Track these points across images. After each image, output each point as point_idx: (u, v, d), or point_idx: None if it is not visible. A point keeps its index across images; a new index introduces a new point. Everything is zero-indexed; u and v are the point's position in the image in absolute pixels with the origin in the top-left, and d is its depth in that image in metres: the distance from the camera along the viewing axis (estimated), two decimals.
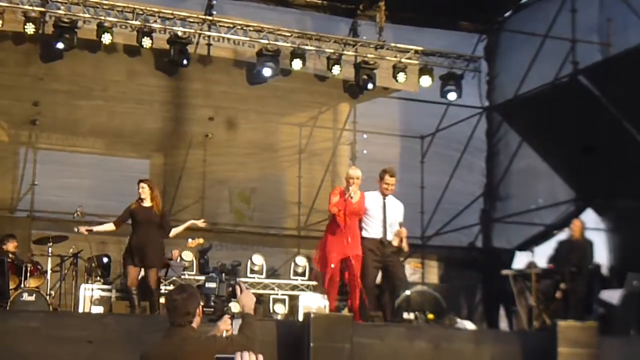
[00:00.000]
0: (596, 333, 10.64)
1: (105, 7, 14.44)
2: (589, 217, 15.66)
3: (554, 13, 16.06)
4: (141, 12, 14.61)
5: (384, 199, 11.30)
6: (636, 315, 13.16)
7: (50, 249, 12.65)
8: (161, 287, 12.47)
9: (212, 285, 5.93)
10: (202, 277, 12.20)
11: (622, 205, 15.16)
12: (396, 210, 11.28)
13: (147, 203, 11.40)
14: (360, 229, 11.14)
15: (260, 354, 3.89)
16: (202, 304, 5.51)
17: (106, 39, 14.28)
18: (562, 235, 14.48)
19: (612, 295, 13.56)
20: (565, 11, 15.85)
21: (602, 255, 14.56)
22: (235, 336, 5.50)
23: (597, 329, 10.71)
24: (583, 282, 13.37)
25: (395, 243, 11.22)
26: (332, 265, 10.79)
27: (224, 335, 5.55)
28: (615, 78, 14.62)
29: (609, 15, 15.26)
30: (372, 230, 11.13)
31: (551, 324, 11.30)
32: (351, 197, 10.85)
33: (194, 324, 5.37)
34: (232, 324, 5.68)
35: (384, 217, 11.15)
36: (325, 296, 12.05)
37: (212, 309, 5.88)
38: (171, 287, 12.26)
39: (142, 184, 11.43)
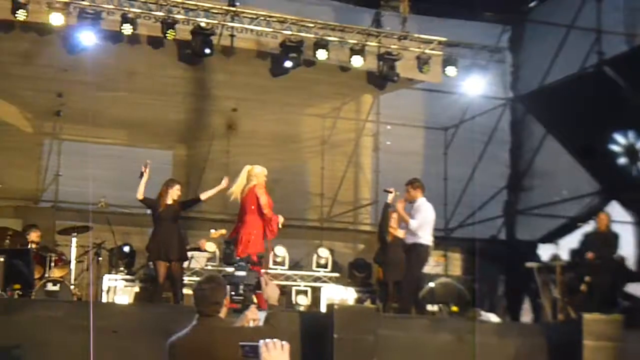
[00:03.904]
0: (621, 326, 10.59)
1: None
2: (614, 209, 15.55)
3: (579, 3, 15.94)
4: (165, 3, 14.58)
5: None
6: None
7: (74, 239, 12.69)
8: (184, 278, 12.55)
9: (242, 273, 5.95)
10: (225, 268, 12.24)
11: None
12: None
13: (169, 200, 11.60)
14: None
15: (286, 342, 3.87)
16: (230, 293, 5.53)
17: (127, 29, 14.23)
18: (587, 228, 14.38)
19: (637, 288, 13.48)
20: (590, 1, 15.72)
21: (628, 248, 14.44)
22: (262, 327, 5.51)
23: (622, 322, 10.65)
24: (608, 275, 13.29)
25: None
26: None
27: (251, 325, 5.55)
28: None
29: (634, 6, 15.12)
30: (429, 237, 11.72)
31: (576, 316, 11.25)
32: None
33: (222, 314, 5.38)
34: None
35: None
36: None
37: (241, 297, 5.89)
38: (194, 278, 12.33)
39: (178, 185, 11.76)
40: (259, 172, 11.48)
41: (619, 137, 15.22)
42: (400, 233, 12.32)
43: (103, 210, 12.72)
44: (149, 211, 11.86)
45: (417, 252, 11.71)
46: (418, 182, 12.18)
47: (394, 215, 12.58)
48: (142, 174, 11.54)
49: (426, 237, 11.69)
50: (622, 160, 15.03)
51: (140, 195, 11.55)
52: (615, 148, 15.48)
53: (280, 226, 11.40)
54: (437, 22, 17.08)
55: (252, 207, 11.22)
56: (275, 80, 16.21)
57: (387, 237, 12.74)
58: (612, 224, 13.61)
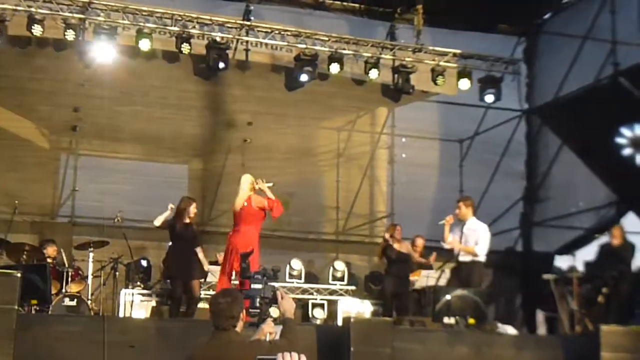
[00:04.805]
0: None
1: (144, 13, 14.50)
2: (631, 220, 15.47)
3: (593, 14, 15.91)
4: (180, 18, 14.64)
5: None
6: None
7: (91, 254, 12.72)
8: (201, 292, 12.57)
9: (258, 286, 5.95)
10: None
11: None
12: None
13: (187, 219, 11.71)
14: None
15: (303, 355, 3.89)
16: (245, 307, 5.55)
17: (145, 45, 14.28)
18: (604, 239, 14.30)
19: None
20: (605, 12, 15.68)
21: None
22: (278, 340, 5.52)
23: None
24: (625, 286, 13.22)
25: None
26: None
27: (267, 338, 5.56)
28: None
29: None
30: (485, 254, 11.95)
31: (594, 328, 11.19)
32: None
33: (238, 328, 5.39)
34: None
35: None
36: None
37: (257, 310, 5.89)
38: (210, 292, 12.35)
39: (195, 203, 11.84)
40: (253, 181, 11.50)
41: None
42: (403, 247, 12.79)
43: (119, 225, 12.73)
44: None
45: (477, 269, 11.99)
46: (470, 201, 12.30)
47: (399, 228, 12.86)
48: (168, 209, 11.63)
49: (483, 255, 11.93)
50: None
51: (158, 223, 11.65)
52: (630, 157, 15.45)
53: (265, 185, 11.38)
54: (452, 34, 17.04)
55: (251, 216, 11.20)
56: (290, 94, 16.24)
57: (392, 254, 13.49)
58: (628, 235, 13.53)
